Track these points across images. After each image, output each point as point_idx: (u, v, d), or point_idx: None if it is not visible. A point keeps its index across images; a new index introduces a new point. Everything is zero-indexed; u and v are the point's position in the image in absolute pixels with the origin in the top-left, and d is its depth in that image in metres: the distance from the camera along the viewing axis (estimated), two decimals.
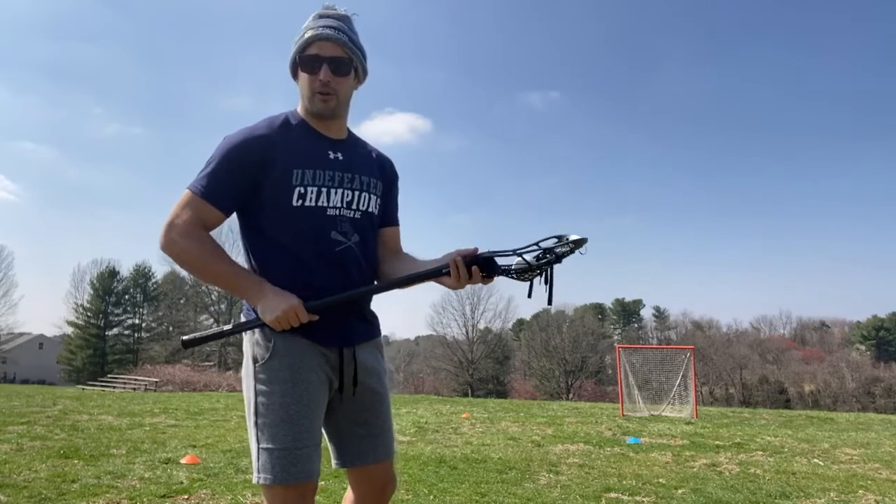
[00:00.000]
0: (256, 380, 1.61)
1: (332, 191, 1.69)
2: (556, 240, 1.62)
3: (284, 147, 1.66)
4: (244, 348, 1.69)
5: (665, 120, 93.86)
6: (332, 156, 1.73)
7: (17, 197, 78.01)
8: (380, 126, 78.02)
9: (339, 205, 1.70)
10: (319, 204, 1.66)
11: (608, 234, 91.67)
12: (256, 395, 1.60)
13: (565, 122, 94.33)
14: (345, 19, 1.72)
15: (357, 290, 1.68)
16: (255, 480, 1.58)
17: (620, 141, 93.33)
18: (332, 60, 1.66)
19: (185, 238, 1.59)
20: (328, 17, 1.70)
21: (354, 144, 1.83)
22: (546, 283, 1.65)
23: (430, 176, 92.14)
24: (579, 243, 1.59)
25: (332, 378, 1.69)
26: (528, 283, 1.66)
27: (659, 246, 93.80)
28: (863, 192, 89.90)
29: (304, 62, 1.68)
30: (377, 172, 1.84)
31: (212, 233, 1.66)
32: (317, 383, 1.63)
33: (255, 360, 1.63)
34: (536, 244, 1.63)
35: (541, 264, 1.63)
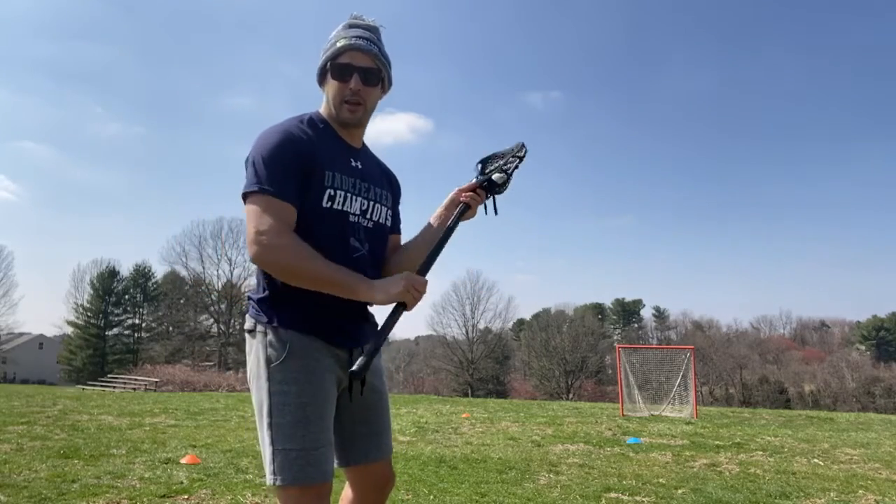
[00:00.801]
0: (271, 380, 1.59)
1: (354, 197, 1.71)
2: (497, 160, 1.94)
3: (318, 146, 1.67)
4: (253, 350, 1.67)
5: (666, 120, 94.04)
6: (353, 163, 1.75)
7: (18, 197, 78.13)
8: (381, 126, 77.94)
9: (357, 212, 1.72)
10: (344, 209, 1.68)
11: (608, 234, 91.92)
12: (271, 396, 1.58)
13: (567, 122, 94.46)
14: (374, 30, 1.75)
15: (431, 253, 1.74)
16: (269, 482, 1.55)
17: (621, 141, 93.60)
18: (363, 70, 1.69)
19: (281, 238, 1.53)
20: (359, 27, 1.73)
21: (368, 155, 1.86)
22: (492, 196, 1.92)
23: (432, 175, 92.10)
24: (520, 150, 1.93)
25: (342, 378, 1.70)
26: (493, 200, 1.92)
27: (659, 246, 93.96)
28: (863, 193, 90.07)
29: (335, 70, 1.70)
30: (386, 185, 1.87)
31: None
32: (330, 383, 1.65)
33: (269, 361, 1.61)
34: (494, 164, 1.93)
35: (512, 169, 1.90)
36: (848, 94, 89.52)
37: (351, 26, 1.73)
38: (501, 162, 1.91)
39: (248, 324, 1.70)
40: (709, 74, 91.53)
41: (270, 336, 1.63)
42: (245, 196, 1.59)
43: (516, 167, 1.91)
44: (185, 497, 4.03)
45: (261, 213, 1.54)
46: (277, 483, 1.53)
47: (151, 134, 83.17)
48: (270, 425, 1.57)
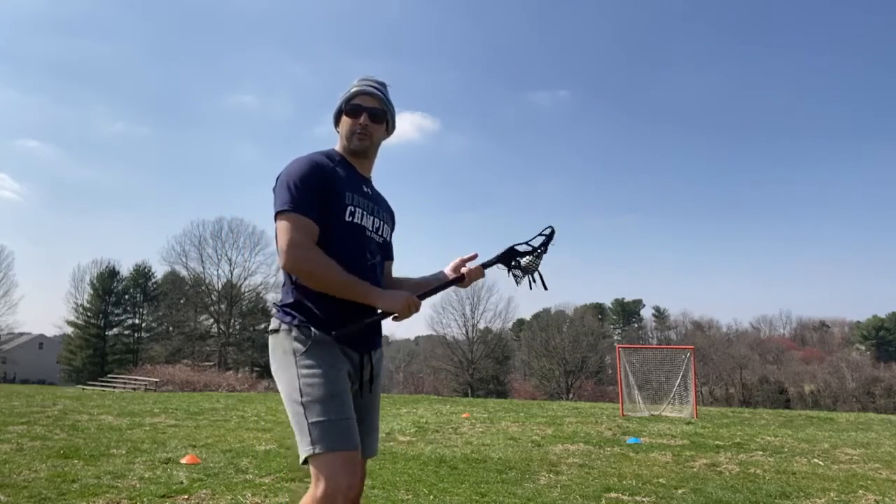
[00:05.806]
0: (298, 365, 1.84)
1: (368, 215, 2.04)
2: (527, 246, 2.13)
3: (338, 173, 2.01)
4: (279, 346, 1.91)
5: (669, 120, 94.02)
6: (364, 189, 2.09)
7: (21, 196, 77.80)
8: None
9: (371, 228, 2.05)
10: (363, 223, 2.01)
11: (609, 234, 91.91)
12: (300, 378, 1.82)
13: (573, 122, 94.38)
14: (383, 84, 2.15)
15: (429, 291, 2.05)
16: (306, 453, 1.74)
17: (625, 140, 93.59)
18: (371, 110, 2.07)
19: (309, 251, 1.85)
20: (370, 79, 2.14)
21: (374, 186, 2.20)
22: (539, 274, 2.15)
23: (438, 175, 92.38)
24: (551, 236, 2.13)
25: (353, 376, 1.94)
26: (530, 277, 2.14)
27: (659, 246, 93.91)
28: (863, 193, 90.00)
29: (348, 109, 2.08)
30: (388, 211, 2.22)
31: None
32: (345, 376, 1.89)
33: (295, 352, 1.86)
34: (511, 252, 2.12)
35: (535, 258, 2.11)
36: (849, 92, 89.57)
37: (364, 79, 2.13)
38: (527, 247, 2.12)
39: (273, 325, 1.95)
40: (712, 75, 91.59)
41: (296, 332, 1.89)
42: (277, 214, 1.89)
43: (542, 247, 2.12)
44: (185, 497, 4.03)
45: (291, 229, 1.85)
46: (316, 451, 1.72)
47: (155, 133, 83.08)
48: (302, 403, 1.79)
